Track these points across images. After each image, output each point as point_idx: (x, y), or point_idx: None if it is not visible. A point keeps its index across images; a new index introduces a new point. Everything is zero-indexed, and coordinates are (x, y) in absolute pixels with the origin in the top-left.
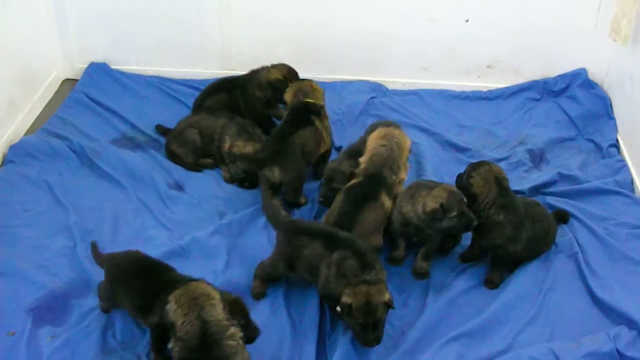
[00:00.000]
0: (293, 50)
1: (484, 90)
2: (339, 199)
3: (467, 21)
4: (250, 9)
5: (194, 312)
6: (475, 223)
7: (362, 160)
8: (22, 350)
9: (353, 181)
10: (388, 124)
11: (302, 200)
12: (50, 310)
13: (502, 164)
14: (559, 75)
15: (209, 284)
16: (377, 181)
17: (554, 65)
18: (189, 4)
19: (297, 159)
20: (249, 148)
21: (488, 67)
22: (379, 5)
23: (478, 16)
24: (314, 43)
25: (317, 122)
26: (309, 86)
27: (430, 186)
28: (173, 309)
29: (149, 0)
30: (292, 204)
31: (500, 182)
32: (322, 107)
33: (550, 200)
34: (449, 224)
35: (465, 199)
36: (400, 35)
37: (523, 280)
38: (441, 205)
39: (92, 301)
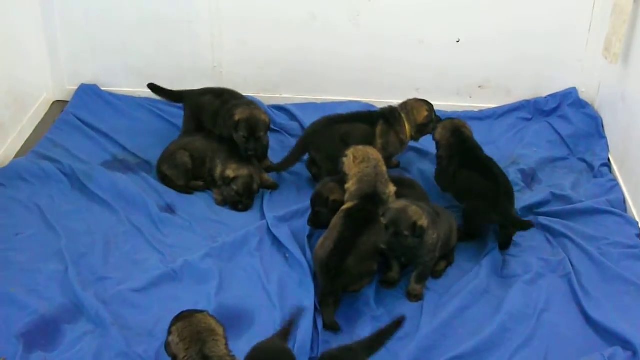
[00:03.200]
0: (284, 72)
1: (476, 110)
2: (336, 222)
3: (458, 42)
4: (242, 32)
5: (196, 347)
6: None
7: (349, 185)
8: None
9: (348, 205)
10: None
11: None
12: (41, 335)
13: None
14: (550, 95)
15: (212, 316)
16: (374, 201)
17: (544, 85)
18: (180, 27)
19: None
20: (243, 171)
21: (479, 87)
22: (369, 27)
23: (469, 36)
24: (305, 64)
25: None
26: None
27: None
28: (175, 341)
29: (140, 22)
30: None
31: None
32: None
33: (543, 220)
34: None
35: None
36: (391, 56)
37: (517, 300)
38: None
39: (83, 326)
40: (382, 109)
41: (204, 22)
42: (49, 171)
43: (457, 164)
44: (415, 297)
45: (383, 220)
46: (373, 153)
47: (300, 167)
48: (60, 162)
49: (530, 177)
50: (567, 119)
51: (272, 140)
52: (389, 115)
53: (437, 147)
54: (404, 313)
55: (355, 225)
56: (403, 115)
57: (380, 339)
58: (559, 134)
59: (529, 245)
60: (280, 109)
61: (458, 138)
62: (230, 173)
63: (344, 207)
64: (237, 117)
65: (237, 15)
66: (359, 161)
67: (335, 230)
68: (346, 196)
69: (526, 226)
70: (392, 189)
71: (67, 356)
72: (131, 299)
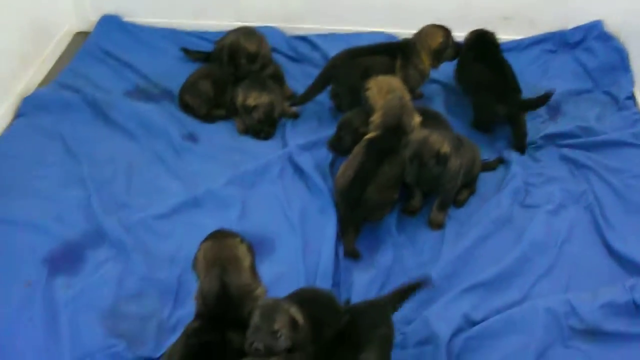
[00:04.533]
0: (307, 2)
1: (500, 41)
2: (358, 151)
3: None
4: None
5: (216, 271)
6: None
7: (375, 117)
8: (38, 300)
9: (371, 135)
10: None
11: None
12: (65, 260)
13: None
14: (575, 27)
15: (244, 241)
16: (397, 132)
17: (569, 16)
18: None
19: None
20: (264, 99)
21: (504, 18)
22: None
23: None
24: None
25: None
26: None
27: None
28: (200, 260)
29: None
30: None
31: None
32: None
33: (566, 151)
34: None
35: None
36: None
37: (539, 231)
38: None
39: (105, 252)
40: (399, 41)
41: None
42: (71, 100)
43: (472, 57)
44: (437, 225)
45: (406, 154)
46: (396, 83)
47: (323, 97)
48: (83, 92)
49: (554, 110)
50: (592, 52)
51: (295, 70)
52: (405, 48)
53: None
54: (424, 241)
55: (377, 155)
56: (417, 45)
57: (404, 294)
58: (583, 66)
59: (552, 176)
60: (302, 39)
61: (479, 37)
62: (251, 101)
63: (367, 137)
64: (220, 44)
65: None
66: (384, 92)
67: (357, 160)
68: (370, 127)
69: (540, 102)
70: (417, 119)
71: (89, 281)
72: (153, 225)
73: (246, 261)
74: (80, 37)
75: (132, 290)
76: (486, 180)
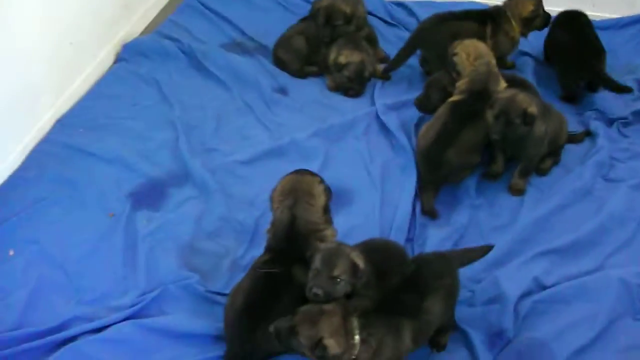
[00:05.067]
0: None
1: (597, 19)
2: (442, 113)
3: None
4: None
5: (288, 202)
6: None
7: (461, 82)
8: (120, 230)
9: (456, 97)
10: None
11: None
12: (148, 196)
13: (609, 92)
14: None
15: (323, 182)
16: (483, 97)
17: None
18: None
19: None
20: (355, 57)
21: None
22: None
23: None
24: None
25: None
26: None
27: None
28: (277, 190)
29: None
30: None
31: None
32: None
33: None
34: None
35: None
36: None
37: (619, 203)
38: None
39: (188, 191)
40: (490, 7)
41: None
42: (169, 49)
43: (555, 22)
44: (518, 191)
45: (492, 112)
46: (484, 48)
47: (414, 61)
48: (180, 41)
49: None
50: None
51: (390, 34)
52: (496, 15)
53: None
54: (503, 205)
55: (461, 118)
56: (508, 12)
57: (471, 255)
58: None
59: (639, 152)
60: (399, 4)
61: (568, 11)
62: (342, 59)
63: (452, 99)
64: (317, 5)
65: None
66: (473, 58)
67: (440, 121)
68: (455, 91)
69: (620, 88)
70: (503, 85)
71: (170, 216)
72: (236, 170)
73: (320, 200)
74: None
75: (210, 229)
76: (571, 151)
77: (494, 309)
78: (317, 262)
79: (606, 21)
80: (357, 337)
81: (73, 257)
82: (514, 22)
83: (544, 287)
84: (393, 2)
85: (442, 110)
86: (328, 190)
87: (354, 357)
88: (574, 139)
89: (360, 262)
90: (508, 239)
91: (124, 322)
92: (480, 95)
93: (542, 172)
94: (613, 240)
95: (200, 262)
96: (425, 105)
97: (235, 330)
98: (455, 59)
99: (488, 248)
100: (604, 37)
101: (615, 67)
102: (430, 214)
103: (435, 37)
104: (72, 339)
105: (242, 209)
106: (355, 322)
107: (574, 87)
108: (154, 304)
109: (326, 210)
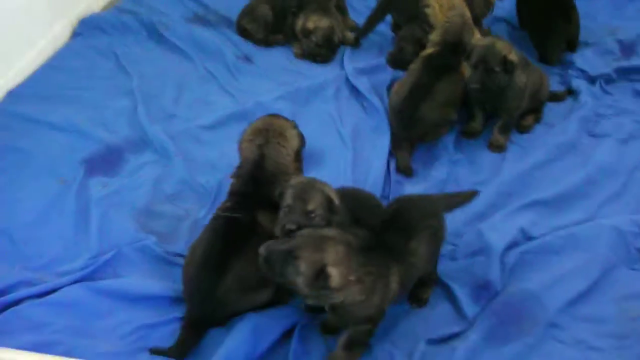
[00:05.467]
0: None
1: None
2: (415, 67)
3: None
4: None
5: (258, 141)
6: None
7: (434, 34)
8: (71, 196)
9: (429, 50)
10: None
11: None
12: (104, 161)
13: (588, 50)
14: None
15: (297, 128)
16: (457, 50)
17: None
18: None
19: None
20: (324, 22)
21: None
22: None
23: None
24: None
25: None
26: None
27: None
28: (247, 131)
29: None
30: None
31: None
32: None
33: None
34: None
35: None
36: None
37: (608, 156)
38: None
39: (147, 156)
40: None
41: None
42: (128, 22)
43: None
44: (498, 147)
45: (469, 61)
46: (458, 2)
47: (384, 27)
48: (141, 15)
49: (628, 49)
50: None
51: (360, 4)
52: None
53: None
54: (484, 161)
55: (435, 71)
56: None
57: (455, 199)
58: None
59: (624, 108)
60: None
61: None
62: (310, 25)
63: (424, 52)
64: None
65: None
66: (446, 9)
67: (413, 76)
68: (428, 44)
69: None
70: (477, 36)
71: (127, 181)
72: (199, 135)
73: (292, 143)
74: None
75: (170, 192)
76: (553, 109)
77: (478, 261)
78: (289, 198)
79: None
80: (353, 275)
81: (19, 224)
82: None
83: (531, 239)
84: None
85: (415, 65)
86: (301, 137)
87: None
88: (555, 97)
89: (335, 197)
90: (490, 192)
91: (72, 285)
92: (454, 47)
93: (524, 129)
94: (603, 191)
95: (158, 225)
96: (398, 61)
97: (194, 286)
98: (428, 10)
99: (473, 193)
100: (582, 3)
101: (595, 29)
102: (406, 171)
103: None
104: (16, 303)
105: (205, 172)
106: (356, 258)
107: (550, 55)
108: (108, 268)
109: (297, 157)
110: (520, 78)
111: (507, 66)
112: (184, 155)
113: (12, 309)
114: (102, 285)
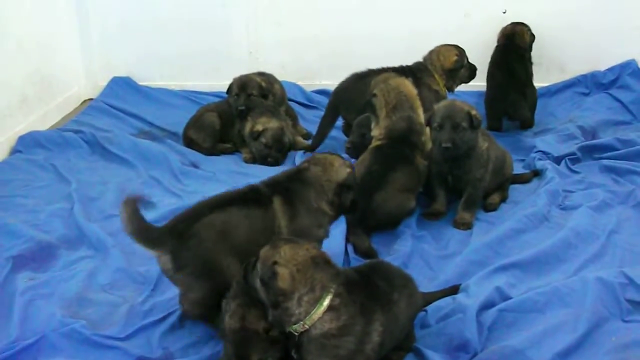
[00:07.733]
0: (323, 55)
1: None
2: (365, 157)
3: (504, 12)
4: (277, 16)
5: None
6: None
7: (378, 131)
8: None
9: (377, 143)
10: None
11: None
12: (33, 258)
13: (551, 136)
14: (608, 69)
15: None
16: (407, 143)
17: (601, 58)
18: (214, 13)
19: None
20: (273, 124)
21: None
22: (412, 3)
23: (516, 7)
24: (344, 45)
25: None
26: None
27: None
28: None
29: (174, 12)
30: None
31: None
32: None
33: (606, 162)
34: None
35: None
36: (436, 31)
37: (582, 222)
38: None
39: (82, 252)
40: (410, 64)
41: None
42: (69, 138)
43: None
44: (464, 225)
45: (432, 125)
46: (405, 88)
47: (338, 133)
48: (83, 132)
49: (589, 133)
50: (628, 88)
51: (309, 115)
52: (416, 70)
53: None
54: (450, 238)
55: (388, 160)
56: (429, 65)
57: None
58: (620, 101)
59: (592, 182)
60: (320, 92)
61: (505, 38)
62: (259, 127)
63: (373, 144)
64: (232, 82)
65: None
66: (391, 107)
67: (363, 166)
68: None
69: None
70: (427, 134)
71: (57, 274)
72: None
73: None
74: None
75: (105, 281)
76: (519, 188)
77: (452, 322)
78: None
79: (539, 89)
80: (326, 301)
81: None
82: (436, 76)
83: (509, 299)
84: (315, 91)
85: (365, 156)
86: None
87: (307, 324)
88: (521, 178)
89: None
90: (460, 261)
91: None
92: (402, 140)
93: (490, 207)
94: (582, 254)
95: (90, 312)
96: (360, 148)
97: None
98: (374, 100)
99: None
100: (541, 100)
101: (555, 119)
102: (368, 253)
103: (352, 95)
104: None
105: (144, 262)
106: (332, 284)
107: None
108: (27, 355)
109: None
110: (482, 144)
111: (473, 121)
112: (123, 249)
113: None
114: None
